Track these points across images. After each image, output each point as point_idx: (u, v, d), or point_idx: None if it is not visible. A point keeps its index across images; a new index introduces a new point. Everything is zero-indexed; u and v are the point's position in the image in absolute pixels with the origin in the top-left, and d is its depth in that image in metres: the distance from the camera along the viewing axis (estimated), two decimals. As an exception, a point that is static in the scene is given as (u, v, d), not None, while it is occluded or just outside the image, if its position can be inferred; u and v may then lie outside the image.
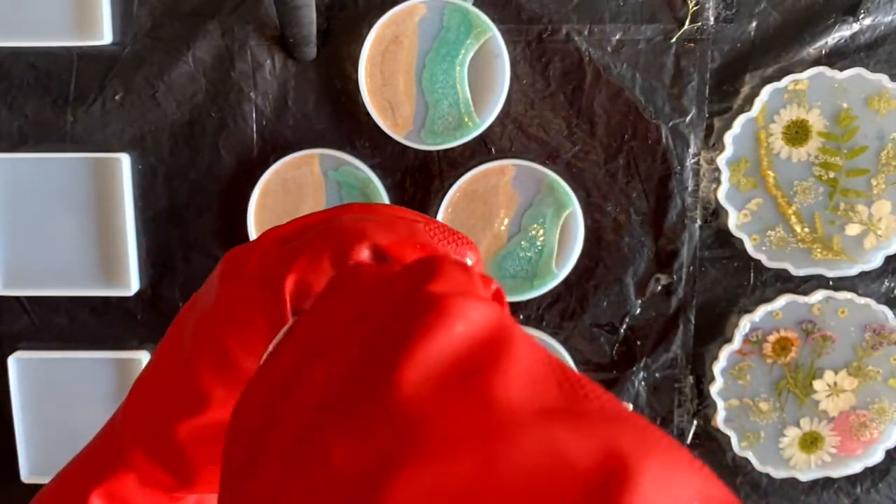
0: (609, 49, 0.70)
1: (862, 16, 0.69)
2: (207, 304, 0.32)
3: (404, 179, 0.72)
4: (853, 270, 0.71)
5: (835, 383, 0.73)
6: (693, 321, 0.74)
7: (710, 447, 0.76)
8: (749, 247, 0.71)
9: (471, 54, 0.69)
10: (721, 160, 0.70)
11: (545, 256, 0.72)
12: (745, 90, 0.70)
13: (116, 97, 0.72)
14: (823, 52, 0.69)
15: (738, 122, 0.69)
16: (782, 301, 0.72)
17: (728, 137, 0.69)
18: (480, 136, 0.70)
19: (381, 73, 0.70)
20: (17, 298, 0.75)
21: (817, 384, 0.73)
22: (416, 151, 0.71)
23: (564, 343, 0.73)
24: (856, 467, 0.75)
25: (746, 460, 0.74)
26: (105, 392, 0.75)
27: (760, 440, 0.74)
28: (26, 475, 0.75)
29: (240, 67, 0.71)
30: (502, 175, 0.71)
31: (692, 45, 0.70)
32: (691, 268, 0.73)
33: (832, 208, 0.71)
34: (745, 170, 0.70)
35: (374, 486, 0.17)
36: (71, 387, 0.75)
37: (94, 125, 0.72)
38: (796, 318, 0.72)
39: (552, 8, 0.69)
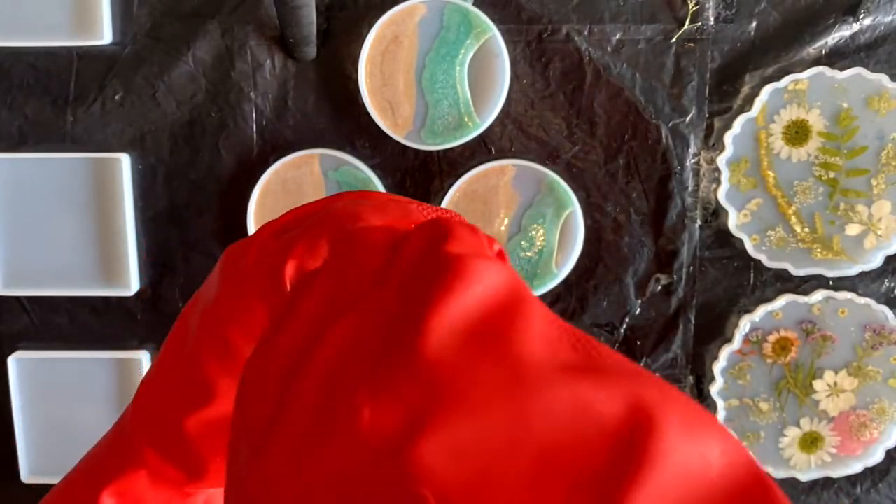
0: (609, 49, 0.70)
1: (862, 16, 0.69)
2: (209, 298, 0.32)
3: (404, 179, 0.72)
4: (853, 270, 0.71)
5: (835, 383, 0.73)
6: (693, 321, 0.74)
7: (710, 447, 0.76)
8: (749, 247, 0.71)
9: (471, 54, 0.69)
10: (721, 160, 0.70)
11: (545, 256, 0.72)
12: (745, 90, 0.70)
13: (116, 97, 0.72)
14: (823, 52, 0.69)
15: (738, 122, 0.69)
16: (782, 301, 0.72)
17: (728, 137, 0.69)
18: (480, 136, 0.70)
19: (381, 73, 0.70)
20: (17, 298, 0.75)
21: (817, 384, 0.73)
22: (416, 151, 0.71)
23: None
24: (856, 467, 0.75)
25: (746, 460, 0.74)
26: (105, 392, 0.75)
27: (760, 440, 0.74)
28: (26, 475, 0.75)
29: (240, 67, 0.71)
30: (502, 175, 0.71)
31: (692, 45, 0.70)
32: (691, 268, 0.73)
33: (832, 208, 0.71)
34: (745, 170, 0.70)
35: (404, 443, 0.17)
36: (71, 387, 0.75)
37: (94, 125, 0.72)
38: (796, 318, 0.72)
39: (552, 8, 0.69)
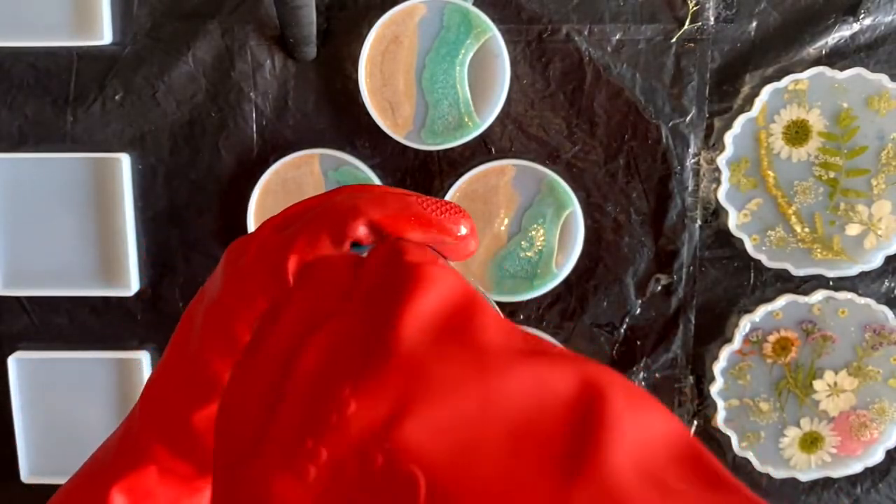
0: (609, 49, 0.70)
1: (862, 16, 0.69)
2: (213, 295, 0.33)
3: (404, 179, 0.72)
4: (853, 270, 0.71)
5: (835, 383, 0.73)
6: (693, 321, 0.74)
7: (710, 447, 0.76)
8: (749, 247, 0.71)
9: (471, 54, 0.69)
10: (721, 160, 0.70)
11: (545, 256, 0.72)
12: (745, 90, 0.70)
13: (116, 97, 0.72)
14: (823, 52, 0.69)
15: (739, 122, 0.69)
16: (782, 301, 0.72)
17: (728, 137, 0.69)
18: (480, 136, 0.70)
19: (381, 73, 0.70)
20: (17, 298, 0.75)
21: (817, 384, 0.73)
22: (416, 151, 0.71)
23: (564, 343, 0.73)
24: (856, 467, 0.75)
25: (746, 460, 0.74)
26: (105, 392, 0.75)
27: (760, 440, 0.74)
28: (26, 475, 0.75)
29: (240, 67, 0.71)
30: (502, 175, 0.71)
31: (692, 45, 0.70)
32: (691, 268, 0.73)
33: (832, 208, 0.71)
34: (745, 170, 0.70)
35: (390, 428, 0.19)
36: (71, 387, 0.75)
37: (94, 125, 0.72)
38: (796, 318, 0.72)
39: (552, 8, 0.69)
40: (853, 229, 0.71)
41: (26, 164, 0.72)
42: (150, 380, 0.35)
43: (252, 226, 0.71)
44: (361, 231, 0.31)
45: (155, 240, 0.74)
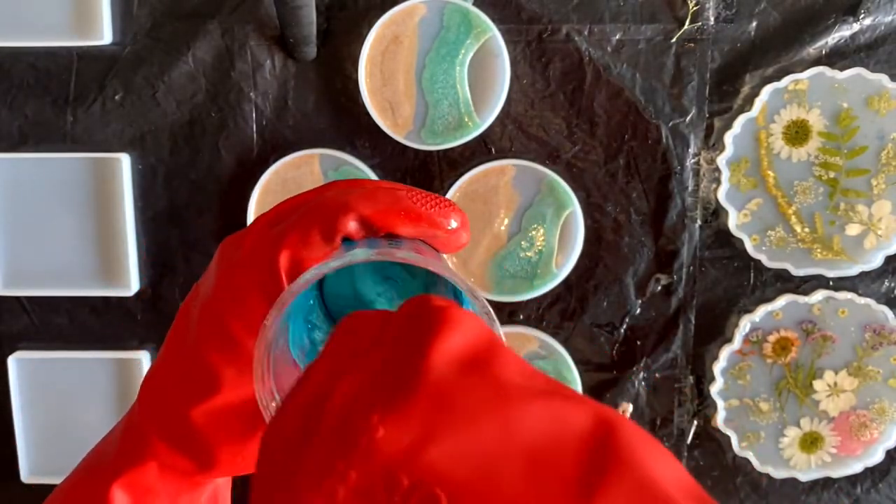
0: (609, 49, 0.70)
1: (862, 16, 0.69)
2: (208, 290, 0.33)
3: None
4: (853, 270, 0.71)
5: (835, 383, 0.73)
6: (693, 321, 0.74)
7: (710, 447, 0.76)
8: (749, 247, 0.71)
9: (471, 54, 0.69)
10: (721, 160, 0.70)
11: (545, 256, 0.72)
12: (745, 90, 0.70)
13: (116, 97, 0.72)
14: (823, 52, 0.69)
15: (739, 122, 0.69)
16: (782, 301, 0.72)
17: (728, 137, 0.69)
18: (480, 136, 0.70)
19: (381, 73, 0.70)
20: (17, 298, 0.75)
21: (817, 384, 0.73)
22: (416, 151, 0.71)
23: (564, 343, 0.73)
24: (856, 467, 0.75)
25: (746, 460, 0.74)
26: (105, 392, 0.75)
27: (760, 440, 0.74)
28: (26, 475, 0.75)
29: (240, 67, 0.71)
30: (502, 175, 0.71)
31: (692, 45, 0.70)
32: (691, 268, 0.73)
33: (832, 208, 0.71)
34: (745, 170, 0.70)
35: (415, 452, 0.20)
36: (71, 387, 0.75)
37: (94, 125, 0.72)
38: (796, 318, 0.72)
39: (552, 8, 0.69)
40: (853, 229, 0.71)
41: (26, 164, 0.72)
42: (147, 375, 0.35)
43: (252, 226, 0.71)
44: (352, 226, 0.31)
45: (155, 240, 0.74)
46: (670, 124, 0.71)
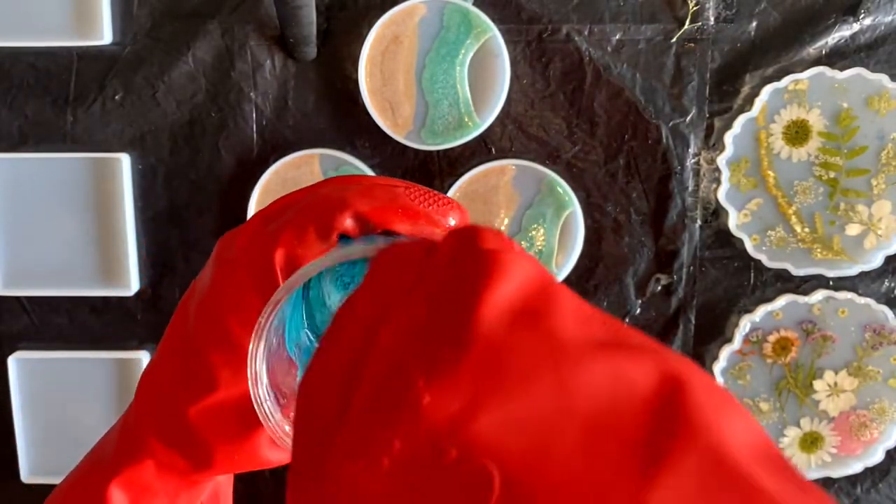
0: (609, 49, 0.70)
1: (862, 16, 0.69)
2: (204, 287, 0.33)
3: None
4: (853, 270, 0.71)
5: (835, 383, 0.73)
6: (693, 321, 0.74)
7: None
8: (749, 247, 0.71)
9: (471, 54, 0.69)
10: (721, 160, 0.70)
11: (545, 256, 0.72)
12: (745, 90, 0.70)
13: (116, 97, 0.72)
14: (823, 52, 0.69)
15: (739, 122, 0.69)
16: (782, 301, 0.72)
17: (728, 137, 0.69)
18: (480, 136, 0.70)
19: (381, 73, 0.70)
20: (17, 298, 0.75)
21: (817, 384, 0.73)
22: (416, 151, 0.71)
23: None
24: (856, 467, 0.75)
25: (746, 460, 0.74)
26: (105, 392, 0.75)
27: (760, 440, 0.74)
28: (26, 475, 0.75)
29: (240, 67, 0.71)
30: (502, 175, 0.71)
31: (692, 45, 0.70)
32: (691, 268, 0.73)
33: (832, 208, 0.71)
34: (745, 170, 0.70)
35: (464, 421, 0.19)
36: (71, 387, 0.75)
37: (94, 125, 0.72)
38: (796, 318, 0.72)
39: (552, 8, 0.69)
40: (853, 229, 0.71)
41: (26, 164, 0.72)
42: (144, 373, 0.35)
43: (252, 226, 0.71)
44: (348, 223, 0.30)
45: (155, 240, 0.74)
46: (670, 124, 0.71)
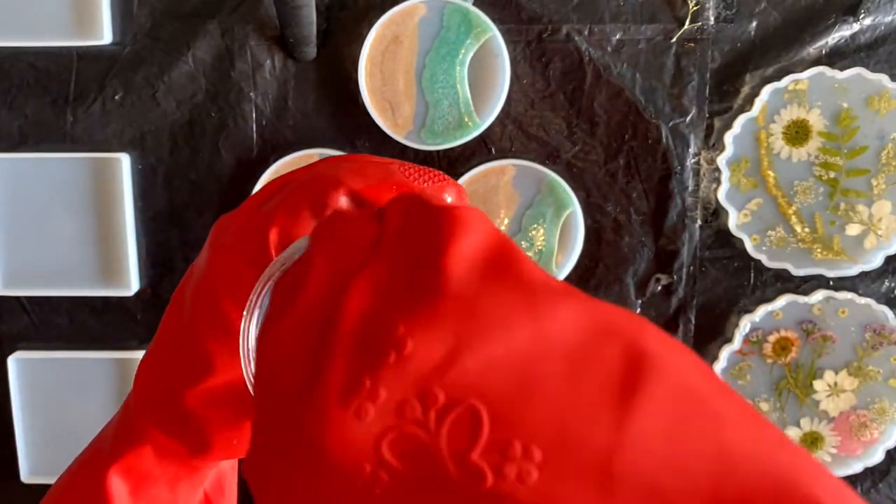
0: (609, 49, 0.70)
1: (862, 16, 0.69)
2: (200, 271, 0.33)
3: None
4: (853, 270, 0.71)
5: (835, 383, 0.73)
6: (693, 321, 0.74)
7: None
8: (749, 247, 0.71)
9: (471, 54, 0.69)
10: (721, 160, 0.70)
11: (545, 256, 0.72)
12: (745, 90, 0.70)
13: (116, 97, 0.72)
14: (823, 52, 0.69)
15: (739, 122, 0.69)
16: (782, 301, 0.72)
17: (728, 137, 0.69)
18: (480, 136, 0.70)
19: (381, 72, 0.70)
20: (17, 298, 0.75)
21: (817, 384, 0.73)
22: (416, 151, 0.71)
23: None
24: (856, 467, 0.75)
25: (746, 460, 0.74)
26: (105, 392, 0.75)
27: (760, 440, 0.74)
28: (26, 475, 0.75)
29: (240, 67, 0.71)
30: (502, 175, 0.71)
31: (692, 45, 0.70)
32: (691, 268, 0.73)
33: (832, 208, 0.71)
34: (745, 170, 0.70)
35: (449, 365, 0.19)
36: (71, 387, 0.75)
37: (94, 125, 0.72)
38: (796, 318, 0.72)
39: (552, 8, 0.69)
40: (853, 229, 0.71)
41: (26, 164, 0.72)
42: (142, 361, 0.35)
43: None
44: (343, 201, 0.30)
45: (155, 240, 0.74)
46: (670, 124, 0.71)
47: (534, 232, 0.71)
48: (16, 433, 0.75)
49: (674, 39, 0.70)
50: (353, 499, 0.20)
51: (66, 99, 0.72)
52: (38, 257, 0.73)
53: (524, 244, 0.72)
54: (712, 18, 0.69)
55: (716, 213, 0.72)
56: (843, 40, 0.69)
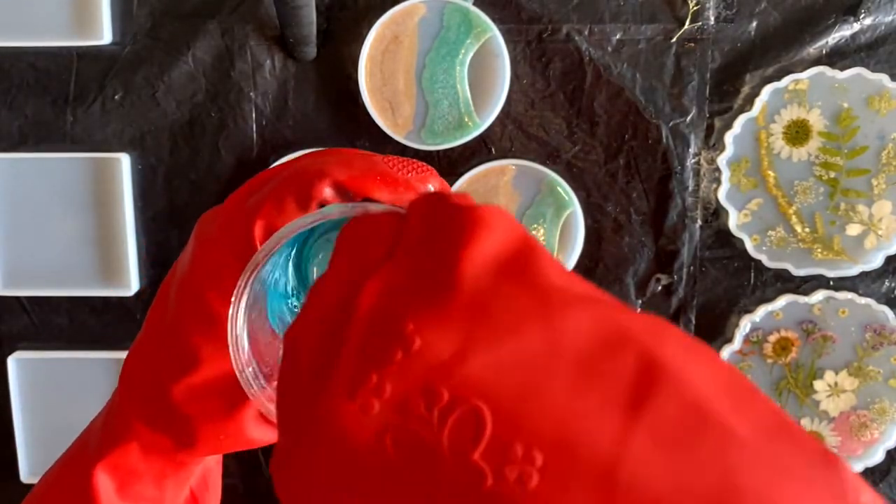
0: (609, 49, 0.70)
1: (862, 16, 0.69)
2: (185, 265, 0.33)
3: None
4: (853, 270, 0.71)
5: (835, 383, 0.73)
6: (693, 321, 0.74)
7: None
8: (749, 247, 0.71)
9: (471, 54, 0.69)
10: (721, 160, 0.70)
11: (545, 256, 0.72)
12: (745, 90, 0.70)
13: (116, 97, 0.72)
14: (824, 51, 0.69)
15: (739, 122, 0.69)
16: (783, 301, 0.72)
17: (728, 137, 0.69)
18: (480, 136, 0.70)
19: (381, 72, 0.70)
20: (17, 298, 0.75)
21: (818, 384, 0.73)
22: (416, 151, 0.71)
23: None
24: (856, 467, 0.74)
25: (747, 460, 0.74)
26: (105, 392, 0.75)
27: (761, 440, 0.74)
28: (26, 475, 0.75)
29: (240, 67, 0.71)
30: (502, 175, 0.71)
31: (692, 45, 0.70)
32: (691, 268, 0.73)
33: (832, 208, 0.71)
34: (745, 170, 0.70)
35: (455, 364, 0.19)
36: (71, 387, 0.75)
37: (94, 125, 0.72)
38: (797, 318, 0.72)
39: (552, 8, 0.69)
40: (853, 229, 0.71)
41: (26, 164, 0.72)
42: (128, 356, 0.35)
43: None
44: (327, 192, 0.30)
45: (155, 240, 0.74)
46: (670, 124, 0.71)
47: (534, 232, 0.71)
48: (16, 433, 0.75)
49: (674, 39, 0.70)
50: (358, 489, 0.20)
51: (66, 99, 0.72)
52: (38, 257, 0.73)
53: (524, 244, 0.72)
54: (712, 18, 0.69)
55: (716, 213, 0.72)
56: (843, 40, 0.69)
